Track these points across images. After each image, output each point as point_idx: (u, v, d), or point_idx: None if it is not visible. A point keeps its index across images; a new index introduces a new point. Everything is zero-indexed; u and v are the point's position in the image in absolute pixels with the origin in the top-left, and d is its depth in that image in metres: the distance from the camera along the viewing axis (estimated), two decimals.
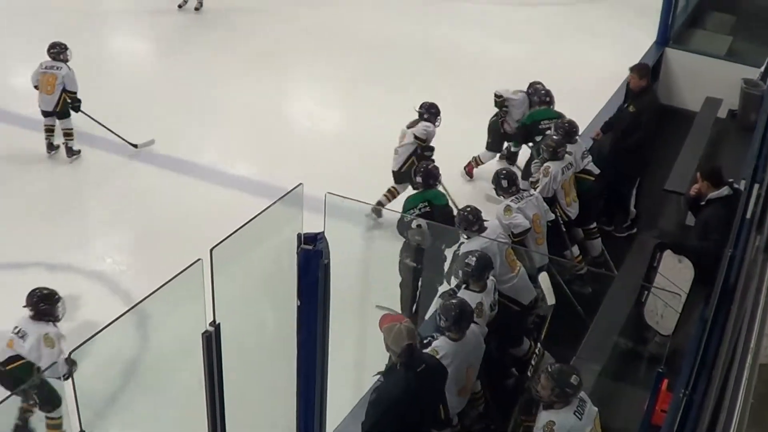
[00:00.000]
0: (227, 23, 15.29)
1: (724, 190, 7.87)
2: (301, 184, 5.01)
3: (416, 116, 9.88)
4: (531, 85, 10.48)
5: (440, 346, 6.34)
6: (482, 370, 6.78)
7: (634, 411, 6.77)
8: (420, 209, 8.34)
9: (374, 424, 5.89)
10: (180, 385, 5.21)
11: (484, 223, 7.76)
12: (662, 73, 13.00)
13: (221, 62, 13.72)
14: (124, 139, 11.09)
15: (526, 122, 10.18)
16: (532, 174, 9.26)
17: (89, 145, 11.12)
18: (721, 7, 15.00)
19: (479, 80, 12.90)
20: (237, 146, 11.67)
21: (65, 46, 10.73)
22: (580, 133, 9.46)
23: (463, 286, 6.98)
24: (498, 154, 10.97)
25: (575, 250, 9.10)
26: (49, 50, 10.71)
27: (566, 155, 8.88)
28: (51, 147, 10.94)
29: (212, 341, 4.54)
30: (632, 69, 9.93)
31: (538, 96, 10.18)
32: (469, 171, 10.89)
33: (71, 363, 4.18)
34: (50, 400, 6.80)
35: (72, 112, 10.77)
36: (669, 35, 13.19)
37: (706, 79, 12.48)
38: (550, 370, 5.84)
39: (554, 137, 9.02)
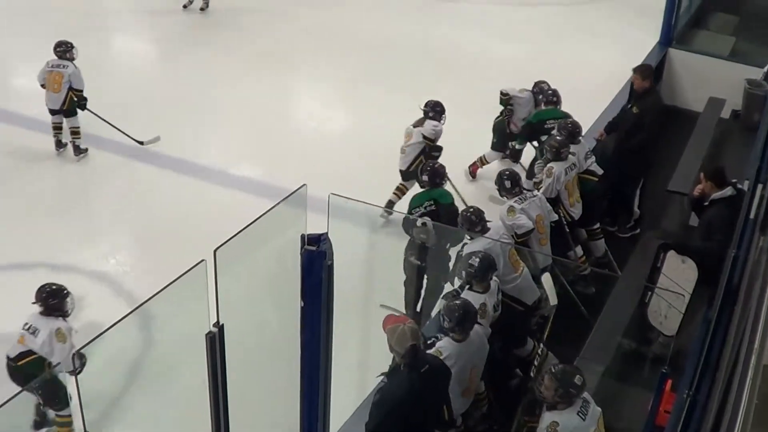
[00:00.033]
0: (230, 24, 15.29)
1: (728, 191, 7.88)
2: (304, 184, 5.01)
3: (420, 115, 9.90)
4: (536, 84, 10.49)
5: (444, 347, 6.34)
6: (486, 371, 6.78)
7: (637, 412, 6.77)
8: (425, 207, 8.37)
9: (378, 424, 5.89)
10: (184, 386, 5.21)
11: (487, 223, 7.76)
12: (665, 74, 13.02)
13: (224, 62, 13.72)
14: (129, 137, 11.12)
15: (532, 120, 10.18)
16: (535, 174, 9.25)
17: (94, 145, 11.13)
18: (725, 7, 15.00)
19: (480, 80, 12.91)
20: (240, 147, 11.67)
21: (71, 44, 10.78)
22: (583, 133, 9.46)
23: (467, 287, 6.98)
24: (503, 154, 10.95)
25: (579, 250, 9.09)
26: (55, 49, 10.76)
27: (569, 156, 8.87)
28: (59, 144, 11.01)
29: (216, 342, 4.54)
30: (635, 70, 9.92)
31: (545, 95, 10.17)
32: (473, 171, 10.89)
33: (81, 358, 4.20)
34: (59, 398, 6.81)
35: (78, 111, 10.83)
36: (672, 36, 13.21)
37: (710, 80, 12.50)
38: (553, 370, 5.84)
39: (557, 138, 9.02)
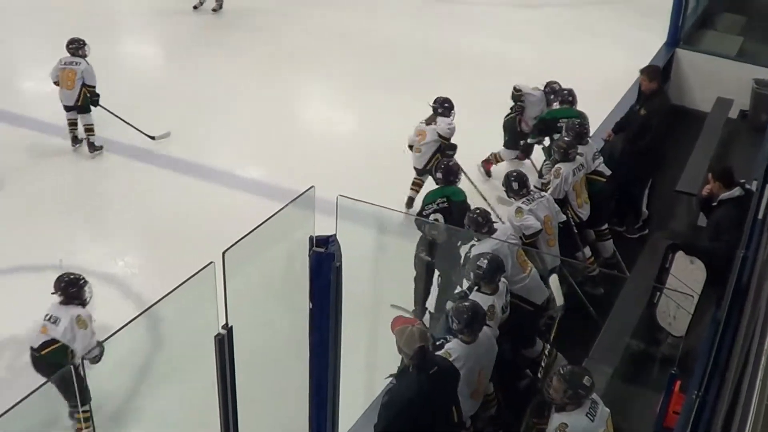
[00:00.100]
0: (241, 25, 15.33)
1: (736, 191, 7.86)
2: (312, 186, 5.02)
3: (429, 112, 9.97)
4: (548, 84, 10.50)
5: (453, 348, 6.33)
6: (495, 373, 6.77)
7: (646, 413, 6.76)
8: (438, 204, 8.41)
9: (386, 426, 5.88)
10: (193, 388, 5.22)
11: (494, 224, 7.77)
12: (673, 74, 12.99)
13: (233, 64, 13.74)
14: (141, 132, 11.23)
15: (545, 117, 10.17)
16: (543, 175, 9.25)
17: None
18: (732, 7, 14.97)
19: (483, 81, 12.92)
20: (248, 148, 11.68)
21: (83, 41, 10.93)
22: (591, 134, 9.45)
23: (475, 288, 6.98)
24: (517, 152, 10.95)
25: (587, 251, 9.08)
26: (67, 46, 10.91)
27: (577, 156, 8.86)
28: (75, 140, 11.15)
29: (225, 344, 4.55)
30: (642, 71, 9.90)
31: (557, 96, 10.18)
32: (487, 168, 10.89)
33: (99, 346, 4.23)
34: (80, 393, 6.85)
35: (91, 107, 10.97)
36: (679, 36, 13.18)
37: (717, 80, 12.47)
38: (562, 372, 5.84)
39: (565, 138, 9.02)
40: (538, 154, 10.81)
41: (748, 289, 6.25)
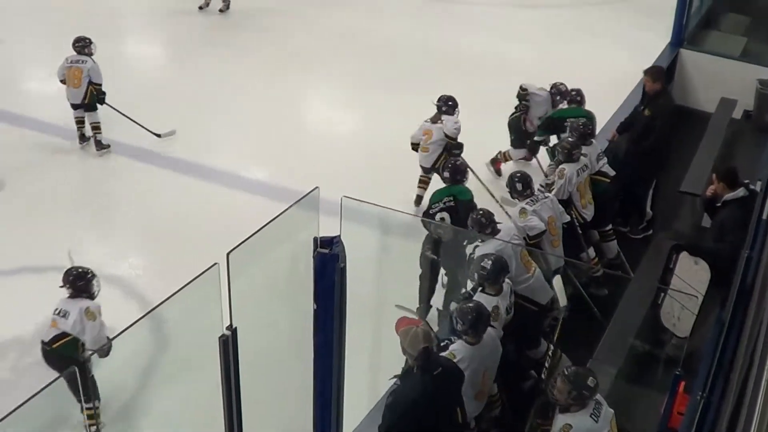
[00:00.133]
0: (248, 26, 15.33)
1: (740, 192, 7.85)
2: (317, 187, 5.02)
3: (433, 110, 10.04)
4: (554, 86, 10.50)
5: (457, 350, 6.32)
6: (499, 373, 6.77)
7: (650, 413, 6.76)
8: (445, 203, 8.46)
9: (391, 427, 5.88)
10: (197, 388, 5.22)
11: (497, 225, 7.77)
12: (677, 74, 12.99)
13: (236, 65, 13.74)
14: (147, 129, 11.28)
15: (553, 116, 10.20)
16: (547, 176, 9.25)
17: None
18: (736, 7, 14.96)
19: (485, 81, 12.90)
20: (251, 149, 11.67)
21: (89, 40, 10.98)
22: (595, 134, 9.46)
23: (479, 289, 6.98)
24: (525, 151, 10.97)
25: (591, 252, 9.07)
26: (74, 44, 10.96)
27: (581, 157, 8.86)
28: (83, 138, 11.22)
29: (229, 345, 4.55)
30: (646, 72, 9.91)
31: (569, 95, 10.21)
32: (497, 168, 10.89)
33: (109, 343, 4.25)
34: (88, 389, 6.88)
35: (98, 105, 11.04)
36: (683, 36, 13.17)
37: (721, 80, 12.46)
38: (566, 373, 5.83)
39: (569, 139, 9.02)
40: (544, 155, 10.81)
41: (752, 289, 6.24)
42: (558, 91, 10.38)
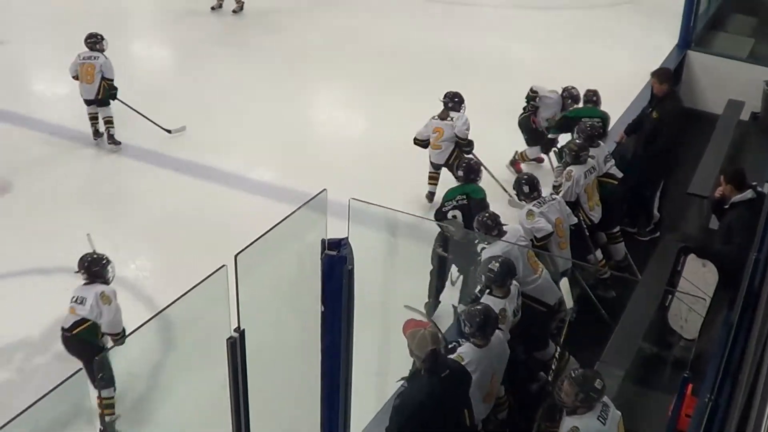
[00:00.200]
0: (260, 27, 15.38)
1: (748, 193, 7.83)
2: (324, 189, 5.02)
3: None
4: (565, 89, 10.54)
5: (465, 352, 6.32)
6: (506, 375, 6.76)
7: (658, 416, 6.74)
8: (457, 201, 8.54)
9: (398, 429, 5.88)
10: (205, 391, 5.22)
11: (504, 227, 7.77)
12: (684, 76, 12.99)
13: (247, 66, 13.78)
14: (157, 125, 11.37)
15: (569, 115, 10.22)
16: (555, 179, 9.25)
17: (109, 149, 11.27)
18: (743, 9, 14.95)
19: (497, 84, 12.91)
20: (260, 151, 11.67)
21: (101, 36, 11.08)
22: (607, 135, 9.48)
23: (486, 291, 6.97)
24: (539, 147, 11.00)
25: (598, 254, 9.07)
26: (86, 40, 11.06)
27: (589, 159, 8.86)
28: (97, 134, 11.33)
29: (237, 347, 4.55)
30: (653, 74, 9.90)
31: (580, 99, 10.27)
32: (518, 169, 10.90)
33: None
34: (104, 376, 6.91)
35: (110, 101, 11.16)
36: (691, 38, 13.16)
37: (728, 82, 12.45)
38: (573, 375, 5.82)
39: (576, 141, 9.02)
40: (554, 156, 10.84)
41: (760, 291, 6.22)
42: (570, 95, 10.41)
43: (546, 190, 8.77)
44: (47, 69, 12.34)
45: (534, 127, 10.75)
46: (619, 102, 11.64)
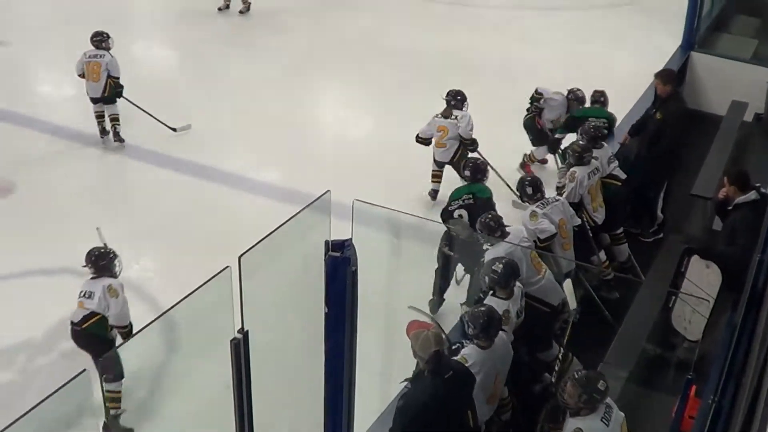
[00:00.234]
0: (267, 28, 15.41)
1: (752, 195, 7.82)
2: (328, 190, 5.02)
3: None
4: (571, 91, 10.56)
5: (469, 354, 6.32)
6: (510, 377, 6.76)
7: (661, 417, 6.74)
8: (464, 200, 8.61)
9: (401, 430, 5.88)
10: (208, 392, 5.22)
11: (506, 228, 7.77)
12: (688, 77, 12.96)
13: (252, 67, 13.80)
14: (162, 123, 11.41)
15: (576, 115, 10.23)
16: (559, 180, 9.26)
17: (117, 149, 11.31)
18: (747, 10, 14.92)
19: (503, 85, 12.97)
20: (265, 152, 11.69)
21: (107, 34, 11.13)
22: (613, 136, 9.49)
23: (490, 293, 6.97)
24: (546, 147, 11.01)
25: (602, 255, 9.06)
26: (92, 39, 11.11)
27: (592, 160, 8.86)
28: (104, 132, 11.38)
29: (241, 348, 4.55)
30: (656, 75, 9.92)
31: (580, 101, 10.32)
32: (528, 172, 10.89)
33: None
34: (113, 369, 6.94)
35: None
36: (694, 39, 13.14)
37: (732, 83, 12.43)
38: (576, 376, 5.82)
39: (580, 142, 9.02)
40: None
41: (764, 292, 6.22)
42: (575, 97, 10.42)
43: (549, 192, 8.78)
44: (50, 70, 12.35)
45: (539, 128, 10.76)
46: (623, 103, 11.62)
